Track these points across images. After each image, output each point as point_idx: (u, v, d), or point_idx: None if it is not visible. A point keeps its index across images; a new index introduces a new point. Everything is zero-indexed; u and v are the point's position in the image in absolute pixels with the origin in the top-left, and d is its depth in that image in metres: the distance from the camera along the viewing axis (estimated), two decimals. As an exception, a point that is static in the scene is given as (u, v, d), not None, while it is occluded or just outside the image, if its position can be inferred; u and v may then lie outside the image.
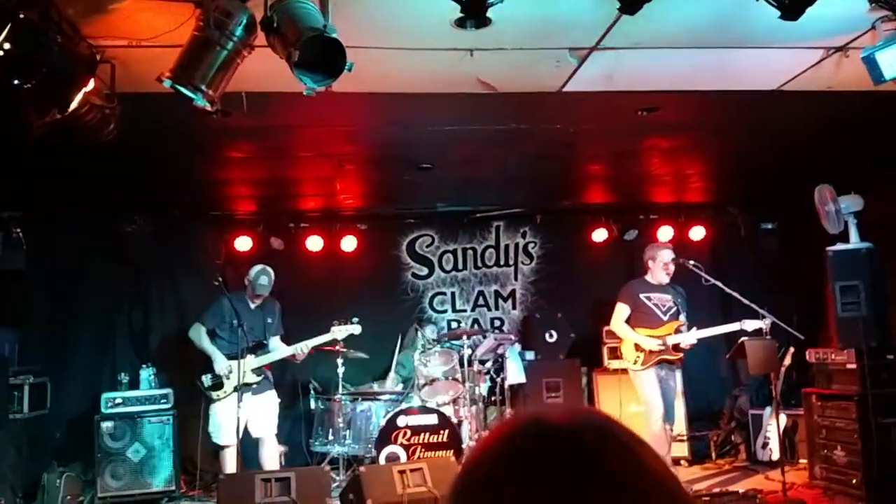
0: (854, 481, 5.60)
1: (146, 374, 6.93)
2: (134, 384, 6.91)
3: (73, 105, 3.27)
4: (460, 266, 8.37)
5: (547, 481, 0.73)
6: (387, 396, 6.90)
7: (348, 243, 7.92)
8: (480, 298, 8.39)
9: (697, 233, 8.20)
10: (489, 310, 8.39)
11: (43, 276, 6.93)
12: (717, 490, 5.91)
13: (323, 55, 3.01)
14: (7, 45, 2.93)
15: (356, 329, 6.25)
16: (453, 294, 8.34)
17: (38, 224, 6.72)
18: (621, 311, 6.29)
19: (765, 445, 7.06)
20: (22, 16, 3.00)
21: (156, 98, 3.66)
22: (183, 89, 3.03)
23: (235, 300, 6.07)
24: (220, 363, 6.03)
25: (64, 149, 4.69)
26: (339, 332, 6.21)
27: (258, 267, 6.32)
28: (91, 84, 3.40)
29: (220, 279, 6.25)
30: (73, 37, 3.40)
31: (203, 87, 3.03)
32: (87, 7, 3.33)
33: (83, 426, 6.63)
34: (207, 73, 3.04)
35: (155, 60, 3.55)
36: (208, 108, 3.10)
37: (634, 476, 0.74)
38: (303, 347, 6.14)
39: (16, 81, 3.03)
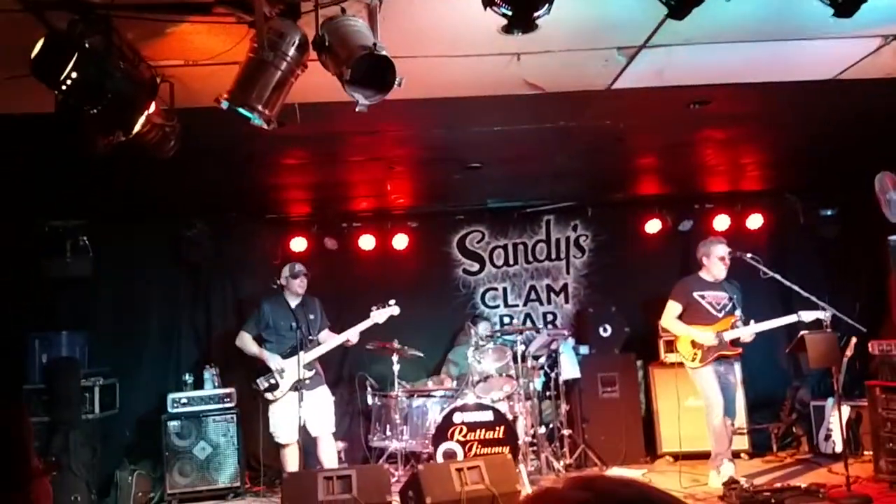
0: (922, 476, 5.47)
1: (209, 373, 7.14)
2: (198, 384, 7.12)
3: (137, 128, 3.39)
4: (511, 261, 8.37)
5: None
6: (441, 393, 6.98)
7: (400, 241, 8.00)
8: (532, 293, 8.38)
9: (755, 221, 8.00)
10: (541, 304, 8.37)
11: (109, 280, 7.24)
12: (778, 485, 5.83)
13: (373, 71, 3.07)
14: (74, 74, 3.06)
15: (394, 310, 6.37)
16: (505, 289, 8.35)
17: (102, 231, 7.03)
18: (673, 308, 6.24)
19: (827, 437, 6.92)
20: (87, 44, 3.14)
21: (213, 112, 3.77)
22: (240, 110, 3.12)
23: (274, 304, 6.33)
24: (275, 361, 6.16)
25: (127, 162, 4.89)
26: (379, 315, 6.33)
27: (287, 265, 6.48)
28: (153, 106, 3.52)
29: (279, 280, 6.41)
30: (134, 60, 3.53)
31: (259, 107, 3.12)
32: (145, 32, 3.45)
33: (151, 425, 6.89)
34: (263, 93, 3.13)
35: (212, 76, 3.69)
36: (265, 126, 3.19)
37: None
38: (351, 334, 6.31)
39: (83, 108, 3.17)
